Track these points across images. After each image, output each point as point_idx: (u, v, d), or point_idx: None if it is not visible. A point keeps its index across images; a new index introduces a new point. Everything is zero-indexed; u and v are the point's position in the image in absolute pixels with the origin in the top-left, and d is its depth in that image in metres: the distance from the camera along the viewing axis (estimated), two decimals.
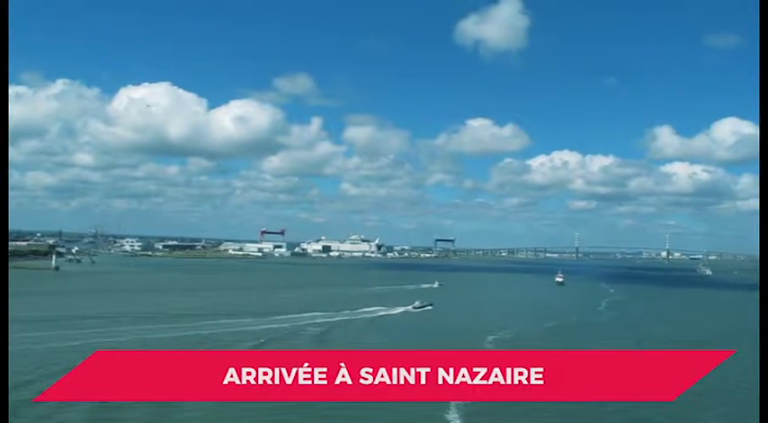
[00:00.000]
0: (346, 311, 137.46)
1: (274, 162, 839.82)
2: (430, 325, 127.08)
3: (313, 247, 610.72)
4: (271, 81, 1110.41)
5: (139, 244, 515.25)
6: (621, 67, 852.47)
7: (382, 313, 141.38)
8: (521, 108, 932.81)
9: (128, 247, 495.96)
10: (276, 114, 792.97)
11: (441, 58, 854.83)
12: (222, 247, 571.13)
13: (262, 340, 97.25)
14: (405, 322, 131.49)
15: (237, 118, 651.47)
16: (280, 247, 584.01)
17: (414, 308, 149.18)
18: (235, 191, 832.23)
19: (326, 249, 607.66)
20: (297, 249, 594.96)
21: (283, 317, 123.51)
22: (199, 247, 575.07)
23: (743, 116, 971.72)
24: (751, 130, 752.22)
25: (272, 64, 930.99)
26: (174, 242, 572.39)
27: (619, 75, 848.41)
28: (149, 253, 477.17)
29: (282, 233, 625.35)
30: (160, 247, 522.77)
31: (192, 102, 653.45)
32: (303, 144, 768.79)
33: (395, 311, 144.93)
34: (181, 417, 54.28)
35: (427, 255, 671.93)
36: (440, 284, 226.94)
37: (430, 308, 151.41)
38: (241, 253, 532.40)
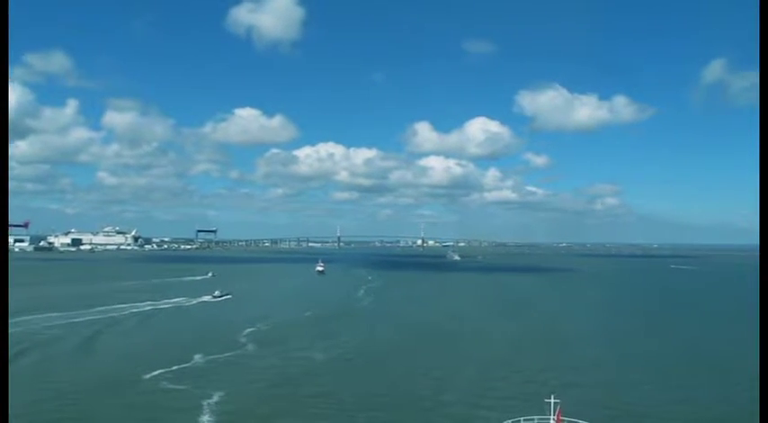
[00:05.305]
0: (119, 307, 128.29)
1: (21, 148, 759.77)
2: (189, 323, 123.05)
3: (61, 241, 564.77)
4: (20, 56, 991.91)
5: None
6: (388, 64, 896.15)
7: (166, 305, 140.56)
8: (290, 99, 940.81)
9: None
10: (25, 94, 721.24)
11: (211, 45, 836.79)
12: None
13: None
14: (172, 316, 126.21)
15: None
16: (21, 241, 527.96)
17: (213, 297, 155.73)
18: None
19: (76, 243, 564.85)
20: (42, 243, 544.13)
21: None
22: None
23: (491, 116, 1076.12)
24: (497, 128, 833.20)
25: (23, 37, 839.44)
26: None
27: (385, 71, 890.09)
28: None
29: (26, 226, 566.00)
30: None
31: None
32: (56, 128, 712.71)
33: (192, 302, 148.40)
34: None
35: (188, 246, 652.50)
36: (213, 275, 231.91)
37: (229, 296, 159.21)
38: None
